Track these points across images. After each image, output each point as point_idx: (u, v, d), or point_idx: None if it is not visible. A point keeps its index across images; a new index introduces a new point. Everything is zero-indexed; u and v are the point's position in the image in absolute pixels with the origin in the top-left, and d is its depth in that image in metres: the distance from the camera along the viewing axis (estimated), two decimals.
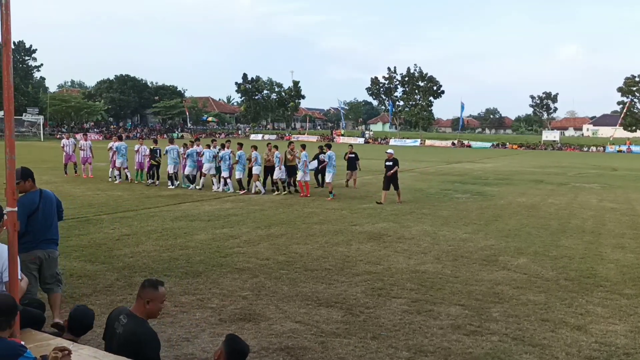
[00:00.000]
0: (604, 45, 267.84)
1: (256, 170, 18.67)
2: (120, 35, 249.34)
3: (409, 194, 19.07)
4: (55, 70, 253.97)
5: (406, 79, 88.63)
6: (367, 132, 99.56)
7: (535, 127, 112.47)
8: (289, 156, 19.16)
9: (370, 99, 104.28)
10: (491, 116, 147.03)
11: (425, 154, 52.96)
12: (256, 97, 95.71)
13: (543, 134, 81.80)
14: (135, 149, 21.29)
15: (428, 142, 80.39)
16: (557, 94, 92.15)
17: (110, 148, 21.55)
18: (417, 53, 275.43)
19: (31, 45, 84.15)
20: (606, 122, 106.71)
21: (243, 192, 18.52)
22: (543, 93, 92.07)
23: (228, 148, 19.21)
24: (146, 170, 21.01)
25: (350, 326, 6.40)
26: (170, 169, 20.21)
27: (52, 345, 3.69)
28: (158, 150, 20.87)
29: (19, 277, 4.26)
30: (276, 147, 19.34)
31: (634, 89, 78.33)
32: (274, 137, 79.65)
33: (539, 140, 79.11)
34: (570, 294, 7.87)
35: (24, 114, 62.83)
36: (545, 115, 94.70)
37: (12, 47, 4.10)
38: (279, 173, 18.71)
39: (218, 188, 19.09)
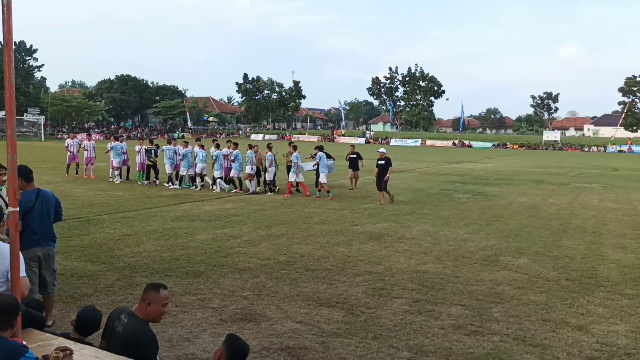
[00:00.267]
0: (605, 45, 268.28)
1: (250, 170, 18.61)
2: (120, 35, 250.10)
3: (410, 194, 19.08)
4: (56, 70, 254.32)
5: (407, 79, 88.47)
6: (367, 132, 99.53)
7: (536, 127, 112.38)
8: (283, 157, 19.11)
9: (371, 99, 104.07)
10: (492, 116, 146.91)
11: (426, 154, 52.94)
12: (257, 97, 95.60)
13: (544, 134, 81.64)
14: (137, 149, 21.29)
15: (429, 142, 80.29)
16: (558, 94, 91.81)
17: (110, 149, 21.59)
18: (418, 53, 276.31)
19: (32, 45, 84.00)
20: (607, 122, 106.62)
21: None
22: (544, 93, 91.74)
23: (230, 148, 19.22)
24: (144, 170, 21.02)
25: (351, 326, 6.41)
26: (168, 169, 20.25)
27: (54, 345, 3.68)
28: (153, 150, 20.88)
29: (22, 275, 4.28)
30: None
31: (635, 89, 78.12)
32: (274, 137, 79.65)
33: (539, 140, 78.98)
34: (572, 294, 7.87)
35: (24, 114, 62.74)
36: (546, 115, 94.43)
37: (14, 47, 4.10)
38: (270, 174, 18.56)
39: (216, 189, 19.07)
